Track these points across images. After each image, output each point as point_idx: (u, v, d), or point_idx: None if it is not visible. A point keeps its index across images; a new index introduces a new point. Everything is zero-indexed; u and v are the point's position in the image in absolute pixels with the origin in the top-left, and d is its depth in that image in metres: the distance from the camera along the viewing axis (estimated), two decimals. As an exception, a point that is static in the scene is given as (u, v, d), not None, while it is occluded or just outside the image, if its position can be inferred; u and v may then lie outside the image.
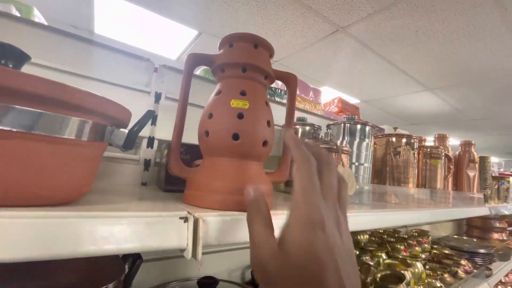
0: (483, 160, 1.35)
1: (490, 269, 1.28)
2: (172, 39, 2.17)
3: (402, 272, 0.77)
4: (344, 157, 0.57)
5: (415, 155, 0.86)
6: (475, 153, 1.27)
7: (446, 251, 1.28)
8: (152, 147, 0.65)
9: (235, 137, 0.40)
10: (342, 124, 0.71)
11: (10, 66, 0.29)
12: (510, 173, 2.03)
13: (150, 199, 0.41)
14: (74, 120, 0.28)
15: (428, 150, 0.99)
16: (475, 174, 1.24)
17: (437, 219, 0.90)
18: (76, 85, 0.25)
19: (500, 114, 3.25)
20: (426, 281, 0.93)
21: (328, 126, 0.77)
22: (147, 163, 0.64)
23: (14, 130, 0.23)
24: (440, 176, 0.98)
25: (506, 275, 2.02)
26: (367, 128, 0.71)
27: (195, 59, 0.46)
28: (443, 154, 1.00)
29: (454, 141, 5.31)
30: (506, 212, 1.36)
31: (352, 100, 3.27)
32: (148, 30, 2.06)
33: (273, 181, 0.47)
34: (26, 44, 0.48)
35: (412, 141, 0.85)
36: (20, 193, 0.24)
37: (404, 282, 0.72)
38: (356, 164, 0.69)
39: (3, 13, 0.57)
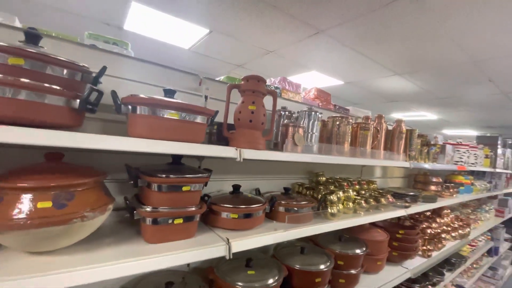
0: (411, 132, 1.97)
1: (409, 203, 1.95)
2: (187, 34, 2.65)
3: (336, 191, 1.41)
4: (301, 130, 1.17)
5: (349, 127, 1.47)
6: (403, 127, 1.88)
7: (381, 191, 1.93)
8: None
9: (250, 121, 1.00)
10: (303, 112, 1.31)
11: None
12: (446, 142, 2.65)
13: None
14: (200, 117, 0.88)
15: (362, 124, 1.59)
16: (402, 141, 1.86)
17: (366, 164, 1.52)
18: (159, 91, 0.85)
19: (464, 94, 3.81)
20: (356, 201, 1.58)
21: (298, 112, 1.36)
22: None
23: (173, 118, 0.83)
24: (369, 141, 1.60)
25: (428, 215, 2.66)
26: (317, 114, 1.31)
27: (231, 86, 1.05)
28: (372, 127, 1.61)
29: (431, 116, 5.91)
30: (426, 167, 2.00)
31: (337, 82, 3.81)
32: (168, 27, 2.54)
33: (265, 138, 1.08)
34: (124, 68, 1.04)
35: (347, 119, 1.45)
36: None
37: (334, 194, 1.36)
38: (310, 133, 1.30)
39: (107, 51, 1.13)
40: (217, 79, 1.51)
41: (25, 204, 0.64)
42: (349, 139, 1.48)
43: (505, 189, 4.15)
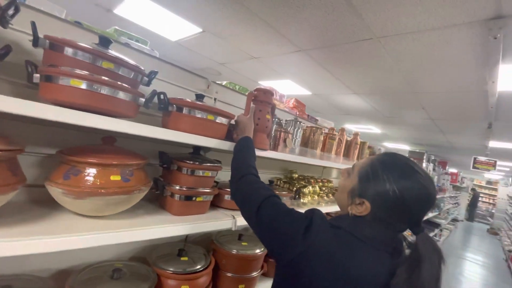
0: (363, 144, 2.47)
1: (357, 200, 2.45)
2: (178, 28, 2.76)
3: (306, 186, 1.78)
4: (290, 135, 1.49)
5: (322, 136, 1.85)
6: (359, 139, 2.36)
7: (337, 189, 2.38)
8: (210, 122, 1.47)
9: (266, 126, 1.28)
10: (291, 121, 1.63)
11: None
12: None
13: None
14: (225, 119, 1.13)
15: (330, 134, 2.00)
16: (356, 150, 2.34)
17: (330, 165, 1.93)
18: (177, 90, 1.10)
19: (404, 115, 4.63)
20: (321, 194, 1.98)
21: (286, 121, 1.68)
22: (208, 129, 1.47)
23: (210, 119, 1.08)
24: (334, 148, 2.01)
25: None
26: (301, 123, 1.65)
27: (251, 95, 1.31)
28: (337, 137, 2.02)
29: (376, 130, 6.87)
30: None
31: (305, 92, 4.27)
32: (159, 19, 2.62)
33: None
34: (149, 67, 1.26)
35: (321, 130, 1.83)
36: (219, 136, 1.10)
37: (306, 188, 1.72)
38: (295, 138, 1.63)
39: (125, 44, 1.30)
40: (218, 82, 1.74)
41: (100, 177, 0.82)
42: (321, 146, 1.86)
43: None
